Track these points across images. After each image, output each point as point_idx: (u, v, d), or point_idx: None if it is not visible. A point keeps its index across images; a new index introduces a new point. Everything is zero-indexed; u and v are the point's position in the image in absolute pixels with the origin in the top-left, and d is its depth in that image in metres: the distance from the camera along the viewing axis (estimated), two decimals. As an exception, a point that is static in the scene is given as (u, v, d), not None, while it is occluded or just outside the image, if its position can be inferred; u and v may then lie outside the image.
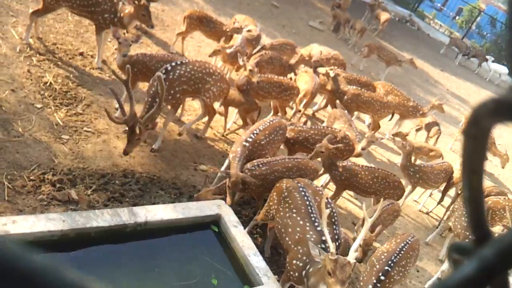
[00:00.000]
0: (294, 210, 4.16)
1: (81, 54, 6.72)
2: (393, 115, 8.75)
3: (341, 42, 15.12)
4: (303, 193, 4.31)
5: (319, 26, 15.47)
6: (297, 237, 3.97)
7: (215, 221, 4.33)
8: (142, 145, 5.57)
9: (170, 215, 4.05)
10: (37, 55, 6.18)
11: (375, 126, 8.21)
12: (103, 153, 5.16)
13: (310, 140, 5.95)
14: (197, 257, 4.00)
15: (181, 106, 6.21)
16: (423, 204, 7.79)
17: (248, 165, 4.82)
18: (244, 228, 4.39)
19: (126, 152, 4.97)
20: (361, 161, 7.67)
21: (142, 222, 3.88)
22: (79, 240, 3.58)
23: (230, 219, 4.31)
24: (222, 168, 5.32)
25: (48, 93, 5.60)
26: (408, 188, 6.85)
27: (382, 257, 4.43)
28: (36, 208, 4.12)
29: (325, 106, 8.95)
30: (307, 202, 4.22)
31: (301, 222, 4.05)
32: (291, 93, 7.02)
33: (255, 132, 5.22)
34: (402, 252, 4.47)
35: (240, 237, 4.16)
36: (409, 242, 4.63)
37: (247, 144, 5.05)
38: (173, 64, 5.39)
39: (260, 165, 4.84)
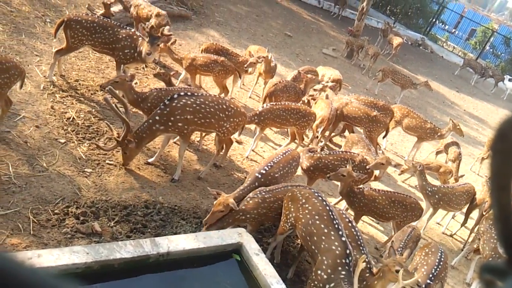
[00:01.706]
0: (317, 217, 4.24)
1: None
2: (387, 132, 8.60)
3: (355, 68, 15.23)
4: (320, 198, 4.43)
5: (332, 53, 15.64)
6: (323, 246, 4.05)
7: (237, 249, 4.32)
8: (162, 175, 5.66)
9: (191, 244, 4.05)
10: (60, 91, 6.38)
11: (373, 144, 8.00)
12: (125, 185, 5.24)
13: (330, 166, 5.94)
14: (219, 287, 3.98)
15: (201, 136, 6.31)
16: (447, 226, 7.64)
17: (251, 194, 4.78)
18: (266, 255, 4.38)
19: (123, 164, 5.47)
20: (379, 185, 7.62)
21: (165, 252, 3.89)
22: (103, 272, 3.60)
23: (252, 247, 4.29)
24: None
25: (71, 128, 5.76)
26: (430, 211, 6.75)
27: (423, 269, 4.61)
28: (60, 241, 4.18)
29: (343, 131, 8.96)
30: (327, 208, 4.32)
31: (325, 231, 4.12)
32: (308, 119, 7.08)
33: (269, 164, 5.24)
34: (440, 264, 4.68)
35: (262, 265, 4.13)
36: (443, 253, 4.84)
37: (260, 176, 5.08)
38: (182, 93, 5.44)
39: (263, 193, 4.79)
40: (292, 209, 4.51)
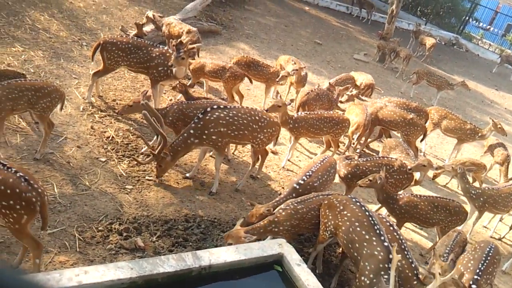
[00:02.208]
0: (357, 223, 4.19)
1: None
2: (425, 135, 8.36)
3: (388, 71, 15.01)
4: (358, 204, 4.38)
5: (364, 58, 15.49)
6: (365, 252, 4.01)
7: (278, 260, 4.30)
8: (200, 189, 5.73)
9: (233, 256, 4.06)
10: (99, 112, 6.59)
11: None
12: (165, 199, 5.34)
13: (368, 173, 5.82)
14: (262, 299, 3.97)
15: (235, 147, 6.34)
16: (494, 229, 7.33)
17: (283, 205, 4.72)
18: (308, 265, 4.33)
19: (157, 177, 5.59)
20: (421, 190, 7.44)
21: (206, 265, 3.92)
22: (147, 287, 3.66)
23: (293, 257, 4.26)
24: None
25: (110, 147, 5.93)
26: (475, 214, 6.51)
27: (469, 265, 4.51)
28: (105, 257, 4.29)
29: (379, 136, 8.82)
30: (367, 213, 4.26)
31: (367, 237, 4.08)
32: (342, 126, 7.01)
33: (307, 174, 5.20)
34: (488, 259, 4.57)
35: (305, 275, 4.09)
36: (492, 248, 4.72)
37: (297, 187, 5.04)
38: (215, 106, 5.51)
39: (295, 204, 4.72)
40: (330, 217, 4.47)
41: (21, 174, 3.58)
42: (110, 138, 6.12)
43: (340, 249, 5.29)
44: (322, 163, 5.40)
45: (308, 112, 6.98)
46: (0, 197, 3.46)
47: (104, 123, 6.43)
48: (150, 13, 9.23)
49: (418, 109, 8.71)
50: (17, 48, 7.59)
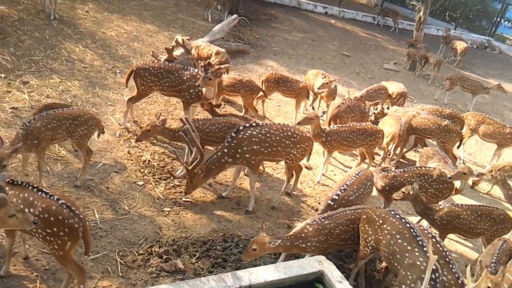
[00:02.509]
0: (398, 236, 4.12)
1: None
2: (461, 142, 8.09)
3: (419, 79, 14.76)
4: (398, 216, 4.31)
5: (394, 67, 15.30)
6: (406, 262, 3.95)
7: (319, 277, 4.23)
8: (237, 208, 5.75)
9: (273, 276, 4.03)
10: (135, 137, 6.75)
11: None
12: (203, 220, 5.38)
13: (406, 184, 5.67)
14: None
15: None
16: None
17: (309, 220, 4.64)
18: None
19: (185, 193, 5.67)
20: (462, 199, 7.21)
21: (247, 285, 3.90)
22: (189, 308, 3.67)
23: (334, 274, 4.19)
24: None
25: (147, 170, 6.06)
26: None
27: None
28: (147, 281, 4.35)
29: (414, 145, 8.64)
30: (408, 225, 4.18)
31: (409, 248, 4.01)
32: (376, 137, 6.91)
33: (342, 188, 5.11)
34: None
35: (347, 292, 4.02)
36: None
37: (332, 203, 4.95)
38: (247, 124, 5.56)
39: (322, 219, 4.62)
40: (370, 232, 4.39)
41: (63, 201, 3.70)
42: (147, 161, 6.26)
43: (383, 264, 5.18)
44: (357, 176, 5.32)
45: (340, 125, 6.92)
46: (44, 224, 3.58)
47: (140, 147, 6.57)
48: (179, 38, 9.45)
49: (452, 116, 8.50)
50: (55, 79, 7.92)
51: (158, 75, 6.80)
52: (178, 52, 9.64)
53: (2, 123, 6.26)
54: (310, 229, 4.51)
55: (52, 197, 3.70)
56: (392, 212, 4.39)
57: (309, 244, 4.48)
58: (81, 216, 3.72)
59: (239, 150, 5.38)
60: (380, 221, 4.33)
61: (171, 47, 8.86)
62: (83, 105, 7.30)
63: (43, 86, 7.61)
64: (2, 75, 7.58)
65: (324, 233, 4.51)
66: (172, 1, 16.40)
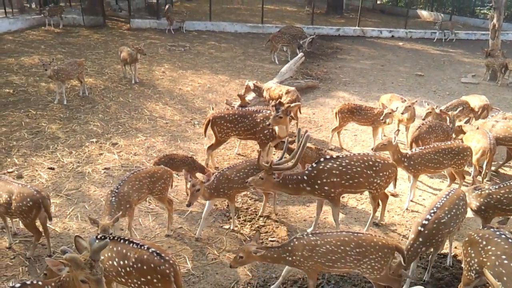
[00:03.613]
0: (504, 257, 3.83)
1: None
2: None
3: (503, 88, 13.83)
4: (504, 236, 4.02)
5: (473, 80, 14.53)
6: None
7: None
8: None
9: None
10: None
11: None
12: (291, 259, 5.33)
13: (505, 201, 5.26)
14: None
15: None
16: None
17: (298, 235, 4.41)
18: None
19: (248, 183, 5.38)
20: None
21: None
22: None
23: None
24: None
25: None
26: None
27: None
28: (243, 323, 4.36)
29: (508, 159, 8.01)
30: None
31: None
32: (464, 155, 6.50)
33: (431, 212, 4.79)
34: None
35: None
36: None
37: (423, 229, 4.63)
38: (328, 157, 5.54)
39: (310, 236, 4.37)
40: (473, 255, 4.09)
41: (153, 249, 3.88)
42: (231, 205, 6.41)
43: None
44: (448, 197, 5.00)
45: (423, 147, 6.63)
46: (138, 274, 3.78)
47: (223, 192, 6.76)
48: (250, 83, 9.80)
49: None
50: (140, 138, 8.53)
51: (233, 121, 7.09)
52: (250, 97, 9.97)
53: (97, 183, 6.81)
54: (297, 243, 4.31)
55: (142, 247, 3.89)
56: (497, 232, 4.07)
57: (294, 258, 4.28)
58: (171, 261, 3.87)
59: (319, 182, 5.31)
60: (484, 242, 4.04)
61: (243, 93, 9.20)
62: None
63: (131, 145, 8.20)
64: (94, 140, 8.32)
65: (309, 249, 4.26)
66: (240, 50, 17.15)
